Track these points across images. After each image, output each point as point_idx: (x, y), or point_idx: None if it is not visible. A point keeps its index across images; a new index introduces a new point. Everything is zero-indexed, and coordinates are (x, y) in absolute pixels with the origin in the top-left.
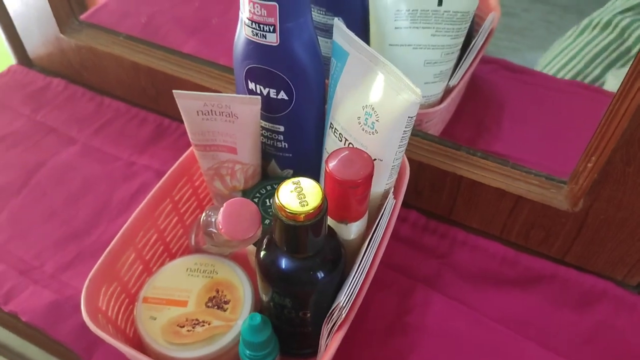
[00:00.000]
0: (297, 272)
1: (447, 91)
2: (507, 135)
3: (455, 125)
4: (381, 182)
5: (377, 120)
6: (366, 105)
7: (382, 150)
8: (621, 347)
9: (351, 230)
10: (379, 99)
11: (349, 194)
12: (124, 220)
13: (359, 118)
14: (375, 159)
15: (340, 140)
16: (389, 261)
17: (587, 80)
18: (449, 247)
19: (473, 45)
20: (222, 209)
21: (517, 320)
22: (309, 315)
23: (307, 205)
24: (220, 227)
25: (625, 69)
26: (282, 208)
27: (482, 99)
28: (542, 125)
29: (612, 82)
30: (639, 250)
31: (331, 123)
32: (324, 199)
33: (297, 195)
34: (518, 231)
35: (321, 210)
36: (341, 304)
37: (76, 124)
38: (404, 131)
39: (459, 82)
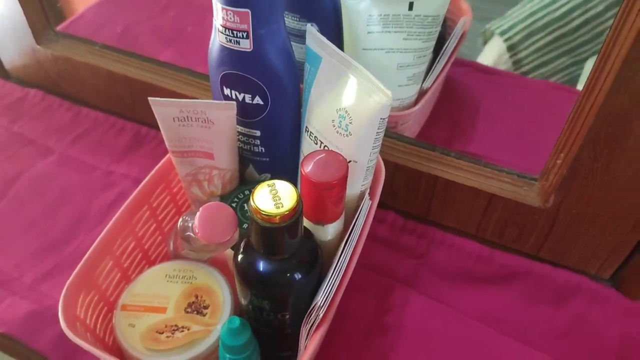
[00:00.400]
0: (274, 273)
1: (421, 93)
2: (482, 136)
3: (430, 128)
4: (356, 184)
5: (350, 123)
6: (340, 109)
7: (357, 152)
8: (596, 340)
9: (328, 232)
10: (352, 102)
11: (324, 196)
12: (102, 230)
13: (333, 121)
14: (350, 161)
15: (316, 144)
16: (367, 262)
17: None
18: (426, 246)
19: (445, 48)
20: (198, 213)
21: (493, 317)
22: (287, 317)
23: (282, 207)
24: (197, 231)
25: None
26: (257, 210)
27: (457, 100)
28: (514, 124)
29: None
30: (611, 244)
31: (307, 127)
32: (299, 200)
33: (273, 198)
34: (493, 229)
35: (296, 212)
36: (319, 303)
37: (54, 134)
38: (377, 132)
39: (432, 85)
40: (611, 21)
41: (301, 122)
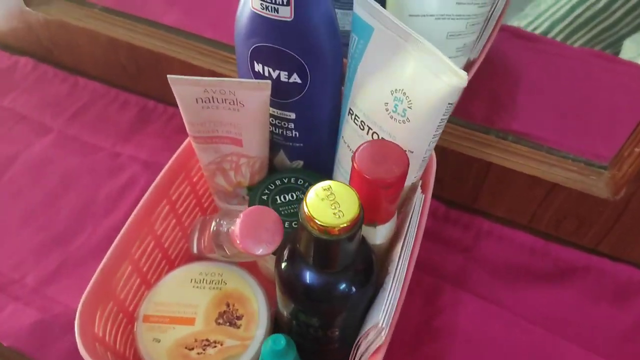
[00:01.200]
0: (327, 288)
1: (468, 65)
2: (525, 112)
3: (467, 103)
4: (410, 176)
5: (409, 107)
6: (396, 90)
7: (414, 142)
8: None
9: (380, 234)
10: (412, 83)
11: (380, 195)
12: (112, 221)
13: (386, 104)
14: (405, 151)
15: (363, 129)
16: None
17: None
18: (473, 238)
19: (493, 12)
20: (239, 220)
21: (553, 318)
22: (337, 333)
23: (343, 216)
24: (238, 241)
25: None
26: (311, 219)
27: (496, 71)
28: (560, 99)
29: (631, 48)
30: None
31: (350, 109)
32: (361, 208)
33: (330, 204)
34: (549, 220)
35: (358, 222)
36: (380, 323)
37: (49, 109)
38: (441, 120)
39: (479, 56)
40: None
41: (342, 103)
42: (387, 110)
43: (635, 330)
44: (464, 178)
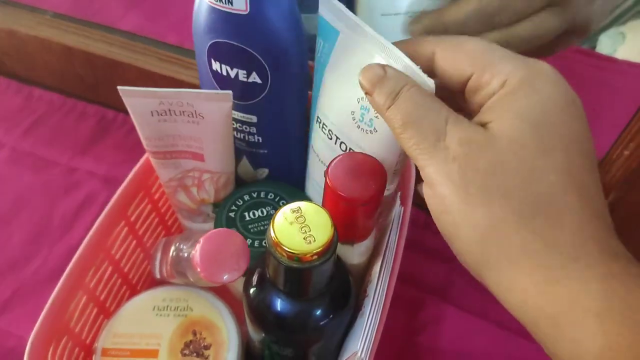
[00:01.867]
0: (300, 317)
1: None
2: None
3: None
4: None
5: (376, 117)
6: (362, 98)
7: (383, 153)
8: None
9: (358, 252)
10: None
11: (356, 212)
12: (68, 242)
13: (353, 113)
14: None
15: (331, 139)
16: None
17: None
18: None
19: None
20: (199, 247)
21: None
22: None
23: (314, 241)
24: (199, 269)
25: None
26: (279, 245)
27: None
28: None
29: (607, 43)
30: None
31: (318, 117)
32: (334, 230)
33: (300, 228)
34: None
35: (331, 246)
36: (359, 353)
37: (2, 123)
38: None
39: None
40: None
41: (311, 110)
42: (354, 119)
43: None
44: None
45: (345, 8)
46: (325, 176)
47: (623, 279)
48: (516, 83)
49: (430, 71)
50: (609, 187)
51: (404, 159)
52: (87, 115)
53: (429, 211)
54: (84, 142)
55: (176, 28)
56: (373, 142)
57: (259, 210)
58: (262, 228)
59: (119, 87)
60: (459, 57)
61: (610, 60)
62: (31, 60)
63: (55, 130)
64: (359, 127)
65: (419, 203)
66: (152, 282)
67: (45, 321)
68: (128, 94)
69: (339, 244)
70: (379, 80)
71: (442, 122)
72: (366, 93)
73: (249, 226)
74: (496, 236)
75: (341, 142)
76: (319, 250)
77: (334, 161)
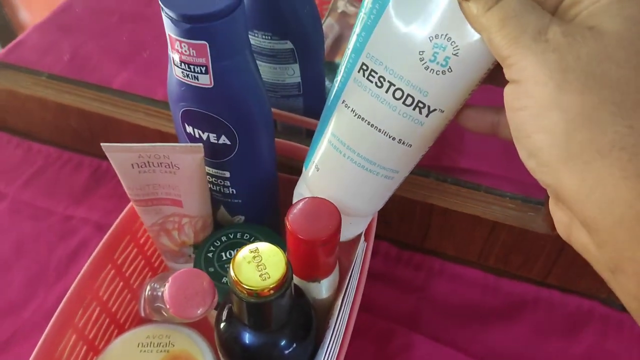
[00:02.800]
0: (264, 348)
1: None
2: (473, 149)
3: None
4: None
5: (454, 54)
6: (436, 36)
7: (449, 98)
8: None
9: (323, 288)
10: (460, 26)
11: (317, 252)
12: (64, 286)
13: (421, 53)
14: (402, 142)
15: (380, 86)
16: (362, 302)
17: None
18: (425, 278)
19: None
20: (167, 285)
21: (506, 355)
22: None
23: (269, 277)
24: (168, 306)
25: None
26: (238, 283)
27: None
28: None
29: None
30: None
31: (363, 63)
32: (288, 266)
33: (256, 266)
34: (496, 256)
35: (286, 281)
36: None
37: (3, 175)
38: (486, 72)
39: None
40: None
41: (343, 63)
42: (422, 60)
43: (587, 359)
44: (410, 220)
45: None
46: (285, 221)
47: None
48: None
49: None
50: None
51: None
52: (82, 167)
53: (400, 245)
54: (79, 192)
55: (164, 82)
56: (445, 83)
57: (235, 250)
58: None
59: (102, 144)
60: None
61: None
62: (30, 117)
63: (53, 181)
64: (427, 69)
65: (390, 237)
66: (140, 321)
67: (37, 357)
68: (110, 149)
69: (304, 282)
70: None
71: (545, 19)
72: (460, 1)
73: (225, 265)
74: (589, 125)
75: (396, 89)
76: (274, 285)
77: (293, 208)
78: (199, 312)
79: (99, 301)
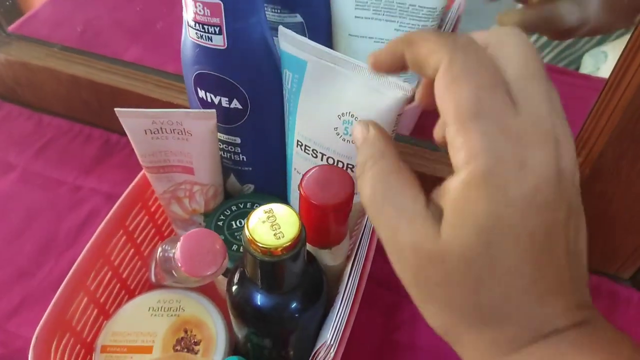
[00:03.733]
0: (276, 309)
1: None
2: None
3: (425, 121)
4: None
5: None
6: (343, 114)
7: None
8: None
9: (335, 255)
10: (359, 103)
11: (329, 218)
12: (73, 254)
13: (336, 129)
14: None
15: (316, 157)
16: (372, 275)
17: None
18: None
19: None
20: (179, 244)
21: None
22: (291, 353)
23: (283, 237)
24: (179, 264)
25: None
26: (253, 242)
27: None
28: None
29: (590, 62)
30: (632, 243)
31: (298, 141)
32: (302, 227)
33: (271, 226)
34: None
35: (299, 242)
36: (328, 341)
37: (14, 147)
38: (392, 131)
39: None
40: None
41: (287, 137)
42: (338, 134)
43: None
44: None
45: (307, 39)
46: (299, 188)
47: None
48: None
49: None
50: None
51: None
52: (92, 139)
53: None
54: (89, 163)
55: (174, 58)
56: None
57: (245, 219)
58: None
59: (116, 109)
60: (423, 51)
61: (586, 78)
62: (41, 89)
63: (63, 152)
64: (344, 140)
65: None
66: (149, 288)
67: (49, 317)
68: (124, 114)
69: (316, 249)
70: (358, 143)
71: (397, 219)
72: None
73: (235, 233)
74: (452, 336)
75: (328, 157)
76: (288, 244)
77: (307, 174)
78: (210, 271)
79: (110, 266)
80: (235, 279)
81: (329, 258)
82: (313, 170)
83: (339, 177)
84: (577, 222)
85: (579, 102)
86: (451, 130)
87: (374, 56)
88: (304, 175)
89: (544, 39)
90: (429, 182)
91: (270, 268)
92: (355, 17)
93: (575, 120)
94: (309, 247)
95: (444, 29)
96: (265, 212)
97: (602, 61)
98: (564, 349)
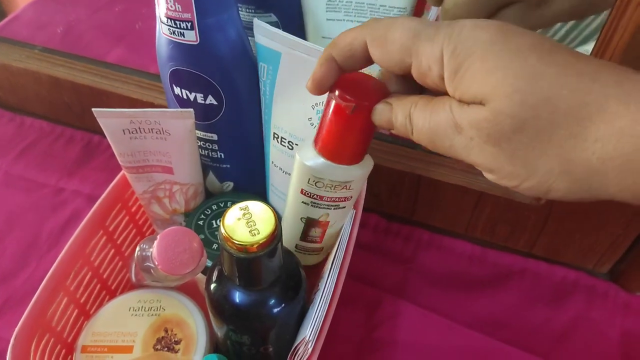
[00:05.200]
0: (253, 306)
1: None
2: None
3: None
4: None
5: None
6: (316, 104)
7: None
8: (598, 338)
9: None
10: None
11: (358, 121)
12: (55, 256)
13: (310, 119)
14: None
15: (291, 149)
16: (351, 271)
17: None
18: (413, 249)
19: None
20: (156, 243)
21: (491, 323)
22: (271, 349)
23: (259, 233)
24: (156, 262)
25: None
26: (228, 239)
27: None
28: None
29: None
30: (608, 238)
31: (275, 133)
32: (277, 224)
33: (246, 223)
34: (483, 227)
35: (275, 238)
36: (307, 337)
37: None
38: None
39: None
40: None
41: (264, 129)
42: (312, 125)
43: (570, 327)
44: (398, 192)
45: (280, 30)
46: (330, 94)
47: None
48: (453, 64)
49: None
50: None
51: None
52: (74, 141)
53: (389, 217)
54: (71, 165)
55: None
56: None
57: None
58: None
59: (93, 109)
60: (389, 49)
61: None
62: (23, 91)
63: (45, 154)
64: None
65: (380, 210)
66: (130, 288)
67: (29, 317)
68: (102, 115)
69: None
70: (388, 115)
71: (450, 122)
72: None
73: (216, 232)
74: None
75: None
76: (263, 240)
77: (345, 76)
78: (187, 270)
79: (90, 266)
80: (214, 277)
81: (351, 175)
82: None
83: (373, 84)
84: None
85: None
86: (420, 62)
87: (310, 81)
88: (341, 78)
89: None
90: (408, 180)
91: (247, 265)
92: (327, 19)
93: None
94: (326, 164)
95: None
96: (241, 210)
97: None
98: None
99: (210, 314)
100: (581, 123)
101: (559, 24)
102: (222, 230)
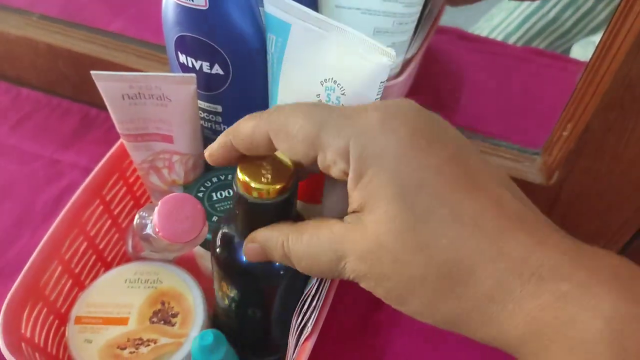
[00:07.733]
0: (262, 265)
1: (405, 63)
2: (468, 107)
3: (413, 99)
4: None
5: (342, 94)
6: (325, 80)
7: None
8: None
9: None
10: (341, 70)
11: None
12: (49, 228)
13: (318, 96)
14: None
15: None
16: None
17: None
18: None
19: (425, 13)
20: (157, 208)
21: None
22: (274, 316)
23: (277, 179)
24: (157, 230)
25: (593, 38)
26: (246, 184)
27: (439, 70)
28: (502, 94)
29: (578, 52)
30: (618, 222)
31: None
32: (294, 172)
33: (264, 171)
34: None
35: (293, 183)
36: (308, 314)
37: None
38: (376, 99)
39: (416, 54)
40: (603, 15)
41: (270, 104)
42: (320, 101)
43: None
44: None
45: (292, 1)
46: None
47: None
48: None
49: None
50: (552, 169)
51: None
52: (71, 113)
53: None
54: (67, 137)
55: (159, 30)
56: None
57: (226, 191)
58: (228, 207)
59: (92, 72)
60: (292, 143)
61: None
62: (19, 61)
63: (41, 126)
64: None
65: None
66: (127, 261)
67: (21, 284)
68: (101, 78)
69: (306, 205)
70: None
71: (334, 258)
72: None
73: (216, 205)
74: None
75: None
76: (282, 186)
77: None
78: (189, 237)
79: (86, 236)
80: (218, 241)
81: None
82: None
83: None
84: None
85: (560, 84)
86: (324, 155)
87: (207, 153)
88: None
89: (535, 29)
90: None
91: (262, 212)
92: None
93: (555, 98)
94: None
95: (430, 7)
96: (259, 158)
97: (591, 51)
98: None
99: (216, 280)
100: (460, 280)
101: (565, 16)
102: (239, 175)
